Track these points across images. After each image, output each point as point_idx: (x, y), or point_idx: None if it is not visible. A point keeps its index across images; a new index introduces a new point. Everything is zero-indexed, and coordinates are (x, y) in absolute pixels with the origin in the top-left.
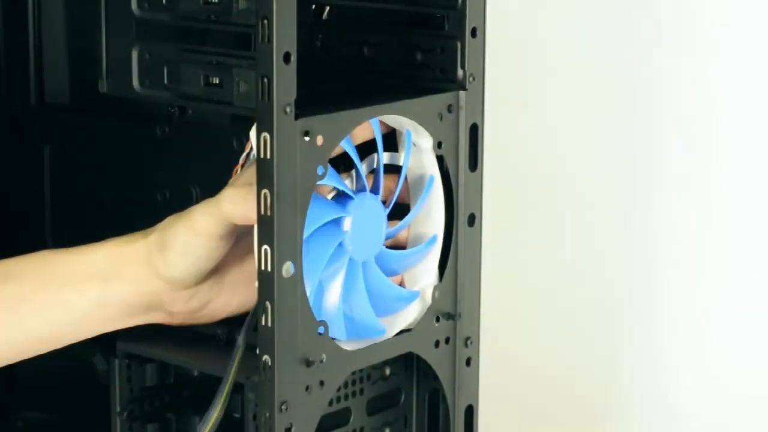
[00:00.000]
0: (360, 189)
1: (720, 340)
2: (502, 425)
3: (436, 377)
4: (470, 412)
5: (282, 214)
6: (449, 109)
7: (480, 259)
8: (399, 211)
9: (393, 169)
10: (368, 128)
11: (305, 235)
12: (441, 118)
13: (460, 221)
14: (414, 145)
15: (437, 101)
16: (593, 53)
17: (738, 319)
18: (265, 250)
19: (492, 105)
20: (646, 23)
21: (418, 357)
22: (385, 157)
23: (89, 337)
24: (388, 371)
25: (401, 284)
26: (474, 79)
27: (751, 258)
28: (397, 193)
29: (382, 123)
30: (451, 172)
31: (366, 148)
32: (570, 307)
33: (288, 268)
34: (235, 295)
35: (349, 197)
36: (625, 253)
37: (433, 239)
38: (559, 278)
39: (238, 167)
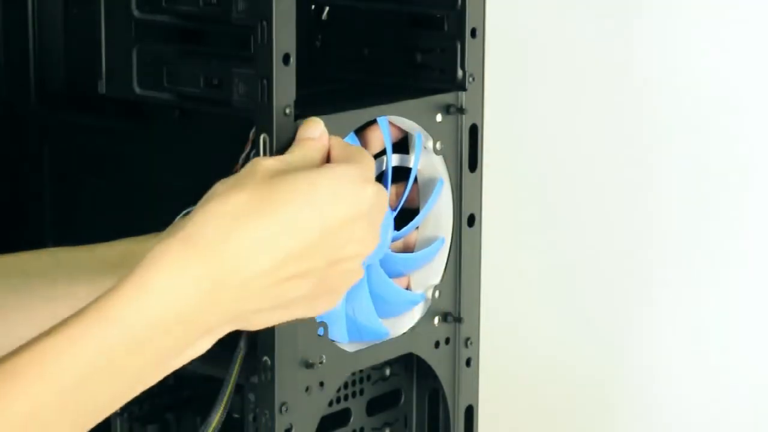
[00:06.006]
0: None
1: (718, 344)
2: (502, 425)
3: (436, 377)
4: (470, 412)
5: None
6: (449, 109)
7: (480, 260)
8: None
9: (403, 171)
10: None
11: None
12: (441, 118)
13: (461, 221)
14: (424, 148)
15: (437, 101)
16: (593, 53)
17: (737, 324)
18: None
19: (492, 105)
20: (645, 23)
21: (418, 357)
22: (395, 159)
23: None
24: (388, 372)
25: (408, 286)
26: (474, 79)
27: (751, 261)
28: (405, 196)
29: (396, 128)
30: (451, 172)
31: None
32: (569, 308)
33: None
34: None
35: None
36: (625, 253)
37: (441, 242)
38: (559, 278)
39: (238, 167)
